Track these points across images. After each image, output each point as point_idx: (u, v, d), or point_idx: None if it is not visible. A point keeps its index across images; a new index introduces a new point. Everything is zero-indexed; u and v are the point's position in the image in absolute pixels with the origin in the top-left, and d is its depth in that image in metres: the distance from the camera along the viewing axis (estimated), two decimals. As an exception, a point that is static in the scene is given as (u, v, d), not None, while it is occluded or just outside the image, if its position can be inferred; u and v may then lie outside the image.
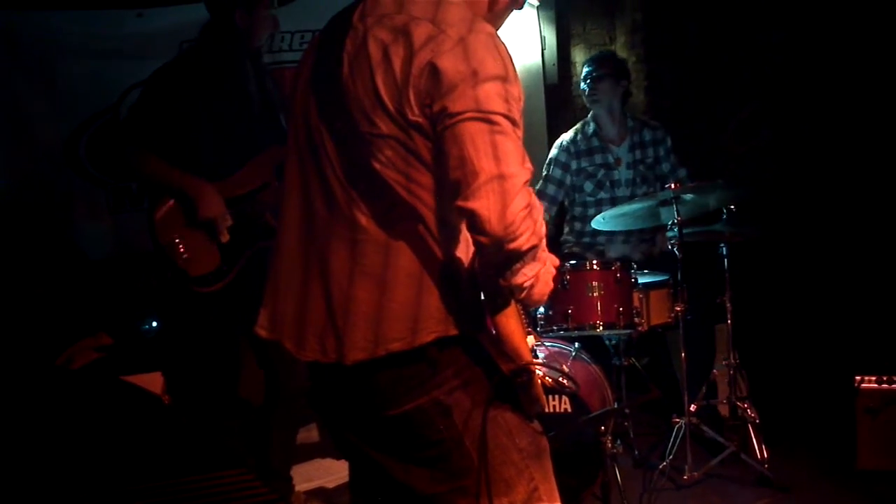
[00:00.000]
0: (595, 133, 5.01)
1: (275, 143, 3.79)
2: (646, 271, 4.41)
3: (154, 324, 4.48)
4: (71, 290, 4.12)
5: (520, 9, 2.22)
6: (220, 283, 3.65)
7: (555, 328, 4.03)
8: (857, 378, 3.88)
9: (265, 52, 4.01)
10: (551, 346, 4.08)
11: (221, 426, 3.76)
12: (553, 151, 5.06)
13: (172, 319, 4.31)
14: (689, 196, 4.09)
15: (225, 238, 3.65)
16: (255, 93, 3.75)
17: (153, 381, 3.51)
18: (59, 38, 4.90)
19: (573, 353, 4.06)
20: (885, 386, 3.84)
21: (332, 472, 4.36)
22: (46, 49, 4.87)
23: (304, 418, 4.41)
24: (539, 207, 1.92)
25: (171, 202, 3.64)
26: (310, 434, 4.77)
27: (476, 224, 1.85)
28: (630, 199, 4.75)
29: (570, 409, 3.72)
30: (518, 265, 1.90)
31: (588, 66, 5.02)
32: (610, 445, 3.78)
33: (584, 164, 5.01)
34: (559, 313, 4.00)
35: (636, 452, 4.34)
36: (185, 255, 3.61)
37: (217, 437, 3.65)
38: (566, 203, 5.11)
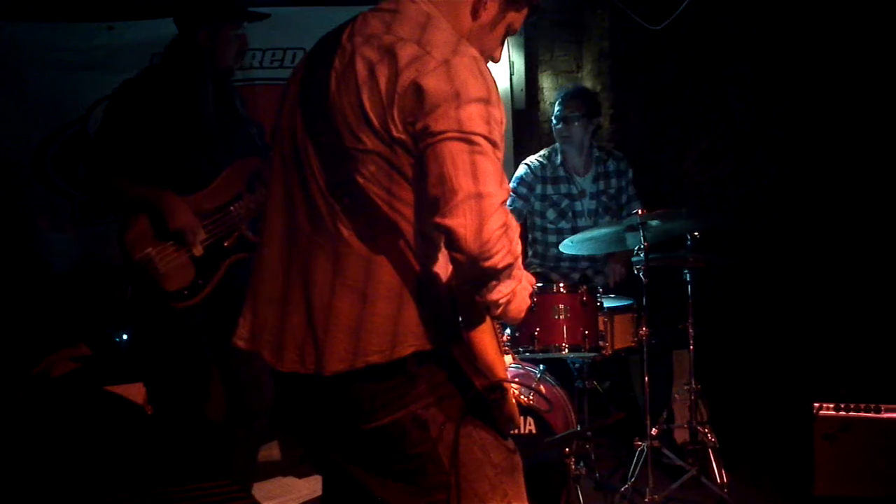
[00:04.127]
0: (562, 163, 5.05)
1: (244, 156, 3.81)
2: (611, 295, 4.46)
3: (125, 336, 4.46)
4: (34, 301, 4.09)
5: (513, 33, 2.25)
6: (195, 298, 3.63)
7: (520, 349, 4.05)
8: (816, 405, 3.94)
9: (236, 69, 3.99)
10: (517, 367, 4.11)
11: (201, 438, 3.74)
12: (521, 169, 5.08)
13: (141, 333, 4.28)
14: (655, 222, 4.15)
15: (199, 252, 3.64)
16: (211, 114, 3.75)
17: (135, 392, 3.49)
18: (29, 50, 4.90)
19: (538, 375, 4.09)
20: (842, 413, 3.90)
21: (293, 491, 4.34)
22: (17, 60, 4.88)
23: (266, 436, 4.41)
24: (515, 227, 1.96)
25: (143, 220, 3.63)
26: (271, 452, 4.75)
27: (453, 241, 1.88)
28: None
29: (534, 431, 3.75)
30: (493, 282, 1.94)
31: (560, 105, 5.00)
32: (573, 467, 3.81)
33: (549, 190, 5.05)
34: (525, 335, 4.03)
35: (597, 475, 4.37)
36: (160, 271, 3.60)
37: (200, 448, 3.63)
38: (527, 225, 5.15)
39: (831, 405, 3.91)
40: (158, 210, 3.60)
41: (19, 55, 4.89)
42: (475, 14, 2.12)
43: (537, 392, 3.86)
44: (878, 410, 3.86)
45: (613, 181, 5.09)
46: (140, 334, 4.29)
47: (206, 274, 3.67)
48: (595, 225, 4.90)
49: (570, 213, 5.03)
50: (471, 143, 1.88)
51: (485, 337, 2.06)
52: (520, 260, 1.98)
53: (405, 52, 1.93)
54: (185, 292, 3.62)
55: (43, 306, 4.11)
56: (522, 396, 3.72)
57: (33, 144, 4.98)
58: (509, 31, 2.23)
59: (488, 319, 2.07)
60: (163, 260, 3.60)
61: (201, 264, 3.66)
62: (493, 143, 1.92)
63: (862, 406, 3.87)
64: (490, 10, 2.13)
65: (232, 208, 3.73)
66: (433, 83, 1.89)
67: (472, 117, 1.88)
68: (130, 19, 5.06)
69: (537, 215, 5.07)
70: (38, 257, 4.66)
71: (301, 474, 4.42)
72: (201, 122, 3.71)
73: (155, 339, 3.81)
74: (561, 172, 5.04)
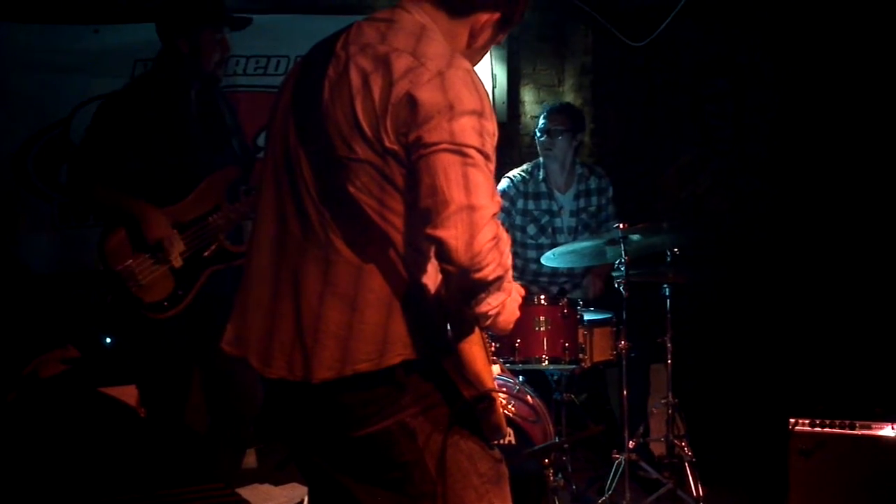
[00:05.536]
0: (544, 179, 5.07)
1: (226, 166, 3.81)
2: (591, 309, 4.49)
3: (108, 340, 4.44)
4: (17, 303, 4.06)
5: (497, 44, 2.28)
6: (175, 309, 3.62)
7: (501, 360, 4.08)
8: (792, 420, 3.98)
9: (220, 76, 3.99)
10: (496, 378, 4.12)
11: (184, 443, 3.73)
12: (503, 183, 5.07)
13: (123, 339, 4.27)
14: (636, 236, 4.18)
15: (178, 263, 3.64)
16: (194, 122, 3.75)
17: (128, 394, 3.48)
18: (14, 51, 4.89)
19: (517, 387, 4.10)
20: (818, 429, 3.94)
21: (270, 498, 4.33)
22: (1, 60, 4.86)
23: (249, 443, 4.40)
24: (506, 239, 1.97)
25: (121, 232, 3.63)
26: (248, 459, 4.74)
27: (444, 252, 1.89)
28: None
29: (513, 442, 3.76)
30: (483, 294, 1.95)
31: (545, 118, 5.02)
32: (551, 479, 3.83)
33: (530, 205, 5.07)
34: (506, 346, 4.06)
35: (574, 487, 4.39)
36: (140, 282, 3.59)
37: (184, 454, 3.63)
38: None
39: (807, 421, 3.95)
40: (136, 221, 3.60)
41: (3, 55, 4.88)
42: (472, 39, 2.14)
43: (524, 402, 3.88)
44: (852, 427, 3.89)
45: (594, 199, 5.11)
46: (123, 341, 4.28)
47: (186, 285, 3.66)
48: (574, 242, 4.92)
49: (549, 230, 5.05)
50: (463, 155, 1.89)
51: (474, 347, 2.07)
52: (510, 272, 1.99)
53: (400, 63, 1.93)
54: (165, 303, 3.62)
55: (26, 308, 4.09)
56: (510, 406, 3.74)
57: (15, 146, 4.96)
58: (494, 44, 2.26)
59: (477, 330, 2.08)
60: (143, 272, 3.61)
61: (181, 275, 3.66)
62: (486, 156, 1.93)
63: (837, 422, 3.91)
64: (485, 35, 2.15)
65: (210, 219, 3.72)
66: (427, 95, 1.89)
67: (465, 129, 1.89)
68: (116, 23, 5.05)
69: (518, 230, 5.08)
70: (17, 259, 4.63)
71: (277, 482, 4.41)
72: (184, 131, 3.71)
73: (136, 347, 3.80)
74: (542, 188, 5.06)
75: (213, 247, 3.72)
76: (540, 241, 5.04)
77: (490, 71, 5.99)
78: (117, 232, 3.63)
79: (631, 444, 4.17)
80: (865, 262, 4.95)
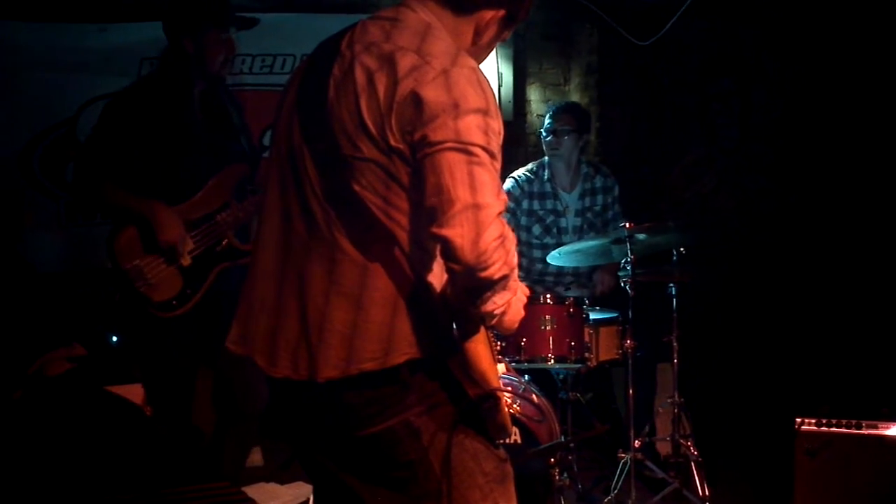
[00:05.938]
0: (549, 178, 5.06)
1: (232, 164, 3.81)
2: (597, 308, 4.48)
3: (114, 338, 4.45)
4: (23, 301, 4.07)
5: (503, 41, 2.28)
6: (183, 308, 3.63)
7: (507, 359, 4.07)
8: (798, 420, 3.97)
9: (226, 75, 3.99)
10: (501, 377, 4.12)
11: (190, 441, 3.74)
12: (508, 183, 5.07)
13: (130, 338, 4.28)
14: (642, 236, 4.18)
15: (186, 262, 3.64)
16: (197, 121, 3.74)
17: (134, 393, 3.48)
18: (21, 49, 4.90)
19: (523, 386, 4.10)
20: (823, 429, 3.93)
21: (276, 496, 4.33)
22: (8, 59, 4.87)
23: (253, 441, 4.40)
24: (511, 238, 1.96)
25: (132, 230, 3.63)
26: (254, 458, 4.74)
27: (449, 251, 1.89)
28: None
29: (519, 441, 3.76)
30: (489, 293, 1.94)
31: (551, 118, 5.01)
32: (557, 478, 3.83)
33: (535, 206, 5.06)
34: (512, 345, 4.06)
35: (580, 486, 4.39)
36: (149, 282, 3.60)
37: (189, 452, 3.63)
38: None
39: (813, 421, 3.94)
40: (148, 221, 3.60)
41: (11, 54, 4.89)
42: (477, 37, 2.14)
43: (529, 401, 3.87)
44: (859, 427, 3.89)
45: (599, 198, 5.10)
46: (129, 339, 4.29)
47: (195, 283, 3.66)
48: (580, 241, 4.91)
49: (554, 230, 5.05)
50: (469, 153, 1.88)
51: (479, 346, 2.06)
52: (516, 271, 1.98)
53: (404, 62, 1.93)
54: (174, 302, 3.62)
55: (32, 307, 4.10)
56: (515, 405, 3.74)
57: (21, 144, 4.97)
58: (500, 41, 2.26)
59: (482, 329, 2.08)
60: (152, 271, 3.61)
61: (189, 274, 3.66)
62: (491, 154, 1.93)
63: (843, 422, 3.90)
64: (490, 32, 2.15)
65: (219, 217, 3.73)
66: (432, 93, 1.89)
67: (471, 128, 1.89)
68: (122, 21, 5.05)
69: (523, 230, 5.07)
70: (23, 257, 4.64)
71: (284, 480, 4.41)
72: (187, 131, 3.71)
73: (143, 345, 3.81)
74: (548, 188, 5.05)
75: (222, 244, 3.72)
76: (545, 241, 5.04)
77: (496, 69, 5.99)
78: (127, 230, 3.63)
79: (637, 443, 4.16)
80: (872, 260, 4.94)
